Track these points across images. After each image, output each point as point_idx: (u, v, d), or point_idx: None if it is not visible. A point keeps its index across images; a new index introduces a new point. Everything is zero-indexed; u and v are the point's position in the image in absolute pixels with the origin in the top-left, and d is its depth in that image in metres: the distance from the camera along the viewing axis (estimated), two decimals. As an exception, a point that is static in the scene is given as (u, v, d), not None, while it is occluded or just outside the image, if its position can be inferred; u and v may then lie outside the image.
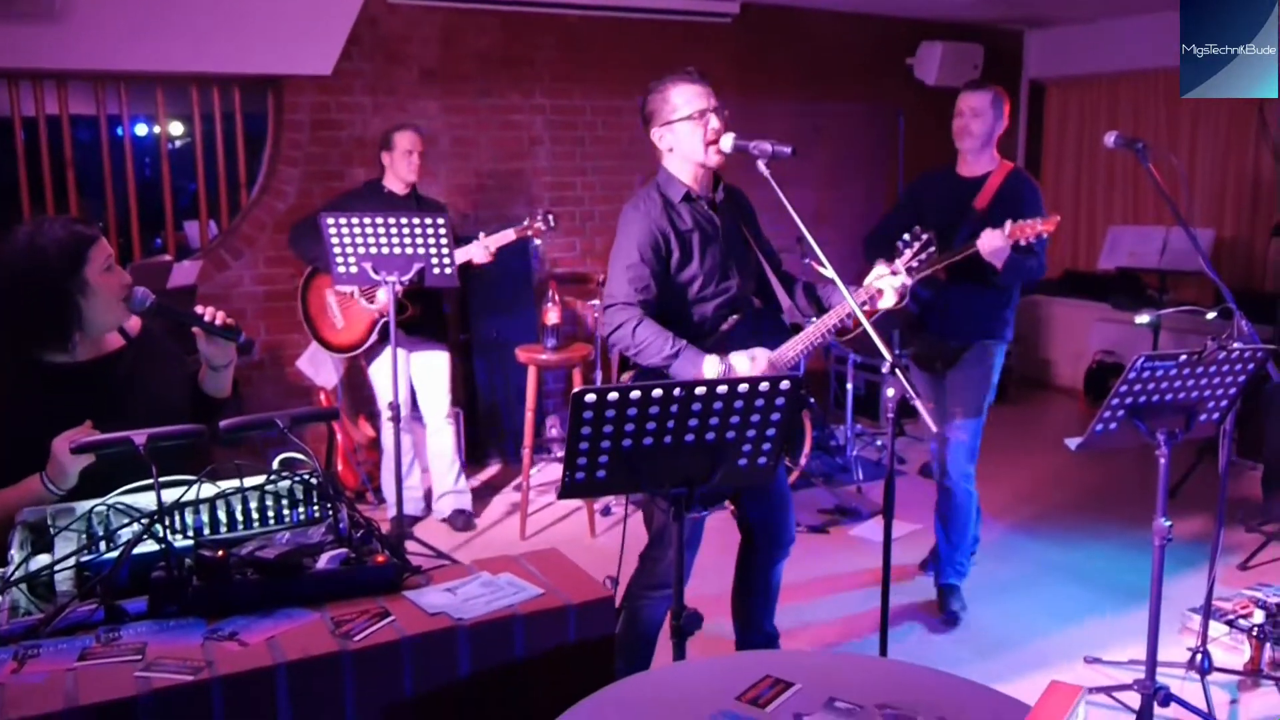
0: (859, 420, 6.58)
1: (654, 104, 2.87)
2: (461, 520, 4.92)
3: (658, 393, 2.17)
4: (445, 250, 4.07)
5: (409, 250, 4.07)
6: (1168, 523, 2.89)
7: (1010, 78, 7.82)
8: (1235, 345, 2.80)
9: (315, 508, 1.91)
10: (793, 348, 2.85)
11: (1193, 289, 6.71)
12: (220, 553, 1.68)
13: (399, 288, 4.10)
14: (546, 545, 4.74)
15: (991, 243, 3.55)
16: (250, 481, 1.90)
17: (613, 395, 2.15)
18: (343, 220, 4.02)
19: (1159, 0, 6.35)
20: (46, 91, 5.14)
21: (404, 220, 4.01)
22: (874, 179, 7.28)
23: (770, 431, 2.32)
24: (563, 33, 6.10)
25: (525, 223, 4.59)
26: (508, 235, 4.61)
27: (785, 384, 2.24)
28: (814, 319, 2.92)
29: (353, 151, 5.63)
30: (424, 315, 4.74)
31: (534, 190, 6.22)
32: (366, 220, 4.02)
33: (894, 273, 2.82)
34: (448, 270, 4.12)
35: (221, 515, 1.85)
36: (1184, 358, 2.75)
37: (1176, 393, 2.83)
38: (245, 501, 1.87)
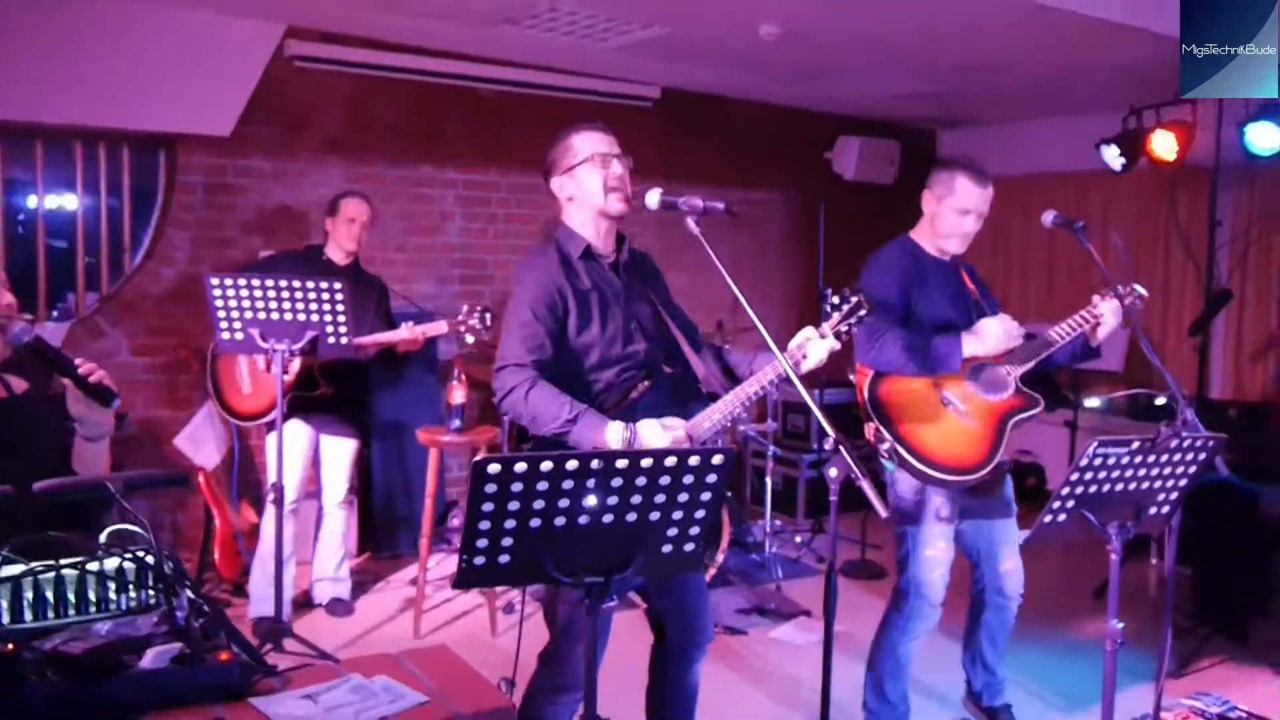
0: (777, 516, 6.33)
1: (555, 153, 2.68)
2: (342, 608, 4.48)
3: (573, 464, 1.88)
4: (342, 318, 3.75)
5: (300, 316, 3.74)
6: (1120, 624, 2.67)
7: (925, 175, 7.87)
8: (1186, 434, 2.64)
9: (150, 592, 1.55)
10: (708, 417, 2.59)
11: (1105, 387, 6.70)
12: (10, 646, 1.31)
13: (288, 356, 3.76)
14: (441, 643, 4.37)
15: (1111, 321, 3.26)
16: (67, 559, 1.54)
17: (520, 466, 1.85)
18: (229, 281, 3.69)
19: (1069, 105, 6.47)
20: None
21: (295, 284, 3.70)
22: (791, 268, 7.18)
23: (699, 514, 2.04)
24: (477, 106, 5.90)
25: (460, 317, 4.20)
26: (439, 327, 4.26)
27: (718, 458, 1.97)
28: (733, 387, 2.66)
29: (250, 219, 5.29)
30: (338, 396, 4.36)
31: (443, 266, 5.94)
32: (255, 282, 3.69)
33: (822, 336, 2.59)
34: (343, 339, 3.80)
35: (28, 599, 1.48)
36: (1137, 444, 2.57)
37: (1127, 483, 2.64)
38: (60, 583, 1.51)
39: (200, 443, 4.76)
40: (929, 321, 3.32)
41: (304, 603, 4.68)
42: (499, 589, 4.48)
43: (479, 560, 1.96)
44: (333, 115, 5.50)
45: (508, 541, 1.95)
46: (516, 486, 1.87)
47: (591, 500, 1.91)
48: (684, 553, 2.09)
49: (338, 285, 3.70)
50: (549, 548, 1.97)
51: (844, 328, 2.63)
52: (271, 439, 4.36)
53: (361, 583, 4.99)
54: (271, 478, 4.07)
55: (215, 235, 5.23)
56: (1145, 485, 2.68)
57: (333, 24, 5.30)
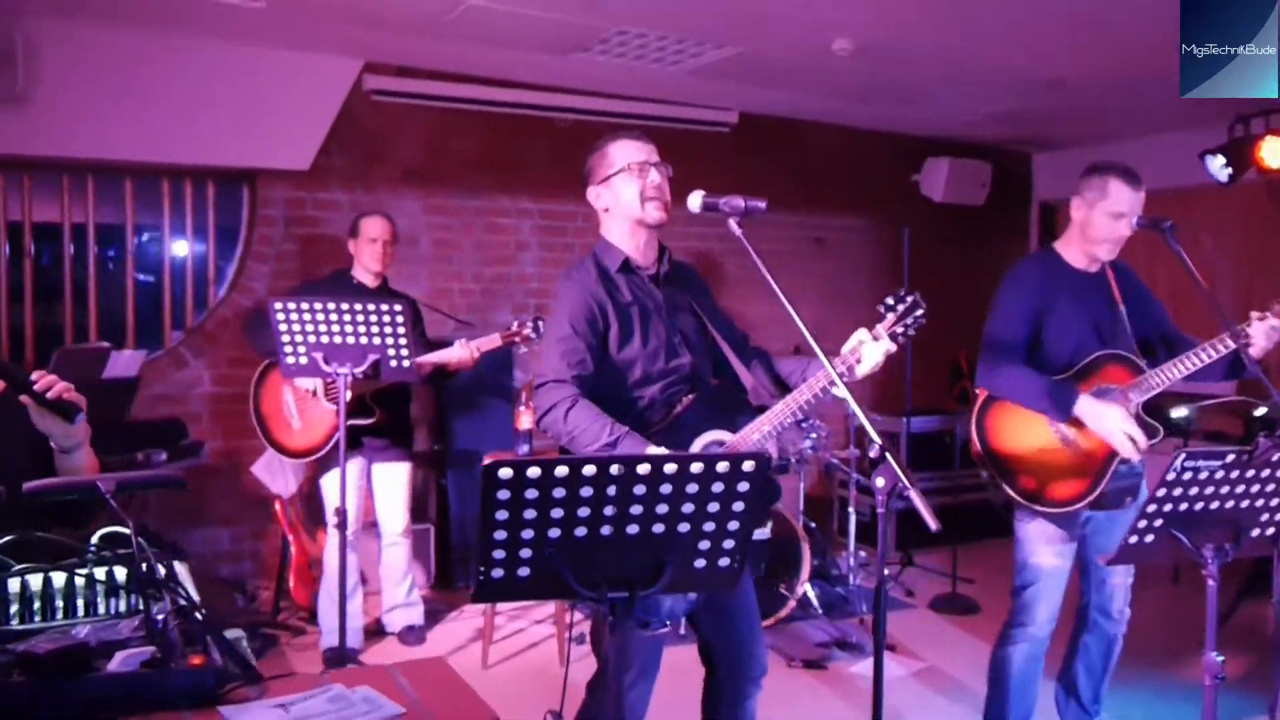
0: (862, 547, 6.09)
1: (592, 162, 2.61)
2: (413, 636, 4.42)
3: (590, 469, 1.77)
4: (403, 340, 3.72)
5: (363, 340, 3.72)
6: (1220, 658, 2.42)
7: (1022, 199, 7.61)
8: (1290, 446, 2.39)
9: (136, 596, 1.49)
10: (757, 428, 2.45)
11: (1214, 421, 6.28)
12: (-23, 646, 1.26)
13: (351, 380, 3.75)
14: (512, 675, 4.28)
15: (1263, 342, 2.95)
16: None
17: (533, 470, 1.75)
18: (291, 305, 3.69)
19: (1169, 120, 6.15)
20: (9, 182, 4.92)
21: (357, 306, 3.67)
22: (877, 294, 6.96)
23: (733, 525, 1.90)
24: (552, 137, 5.90)
25: (512, 327, 4.19)
26: (493, 340, 4.22)
27: (748, 464, 1.83)
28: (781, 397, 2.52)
29: (327, 250, 5.36)
30: (390, 422, 4.35)
31: (519, 296, 5.92)
32: (318, 305, 3.69)
33: (875, 338, 2.44)
34: (405, 363, 3.76)
35: (12, 600, 1.44)
36: (1231, 457, 2.34)
37: (1223, 500, 2.40)
38: (46, 585, 1.46)
39: (275, 472, 4.80)
40: (1054, 350, 3.16)
41: (377, 630, 4.64)
42: (574, 619, 4.38)
43: (497, 573, 1.86)
44: (409, 147, 5.56)
45: (526, 553, 1.84)
46: (531, 493, 1.77)
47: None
48: (718, 568, 1.95)
49: (399, 306, 3.67)
50: (570, 559, 1.86)
51: (899, 329, 2.48)
52: (331, 474, 4.33)
53: (435, 611, 4.94)
54: (331, 504, 4.04)
55: (294, 267, 5.31)
56: (1245, 504, 2.43)
57: (408, 58, 5.37)
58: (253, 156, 5.19)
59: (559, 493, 1.78)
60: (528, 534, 1.82)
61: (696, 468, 1.81)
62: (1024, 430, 3.13)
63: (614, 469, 1.77)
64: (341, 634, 3.83)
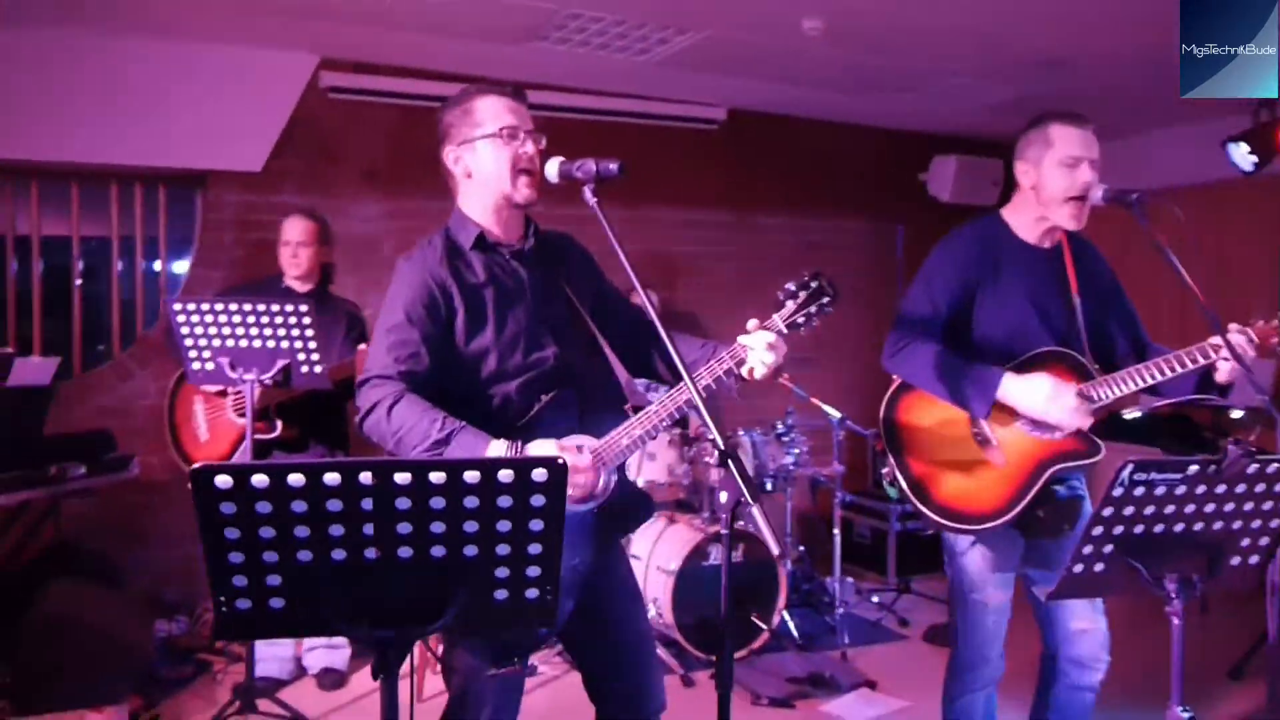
0: (865, 573, 5.68)
1: (451, 118, 2.25)
2: (330, 680, 4.07)
3: (333, 477, 1.43)
4: (312, 345, 3.42)
5: (270, 344, 3.43)
6: (1186, 714, 2.01)
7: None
8: (1268, 456, 1.97)
9: None
10: (627, 433, 2.08)
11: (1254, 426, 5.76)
12: None
13: (258, 388, 3.45)
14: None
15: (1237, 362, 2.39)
16: None
17: (259, 479, 1.42)
18: (191, 306, 3.42)
19: (1187, 112, 5.66)
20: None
21: (260, 307, 3.38)
22: (877, 301, 6.54)
23: (534, 549, 1.55)
24: (527, 135, 5.58)
25: None
26: None
27: (540, 473, 1.48)
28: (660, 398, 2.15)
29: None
30: (303, 436, 3.97)
31: (490, 304, 5.61)
32: (219, 306, 3.41)
33: (765, 328, 2.07)
34: (316, 369, 3.46)
35: None
36: (1195, 468, 1.93)
37: (1189, 521, 2.00)
38: None
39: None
40: (985, 336, 2.67)
41: (289, 680, 4.23)
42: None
43: (242, 604, 1.52)
44: (368, 147, 5.29)
45: (274, 580, 1.51)
46: (264, 507, 1.44)
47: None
48: (525, 601, 1.60)
49: (304, 307, 3.37)
50: (333, 589, 1.53)
51: (800, 318, 2.11)
52: None
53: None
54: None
55: (246, 274, 5.04)
56: (1219, 525, 2.03)
57: (366, 53, 5.11)
58: (203, 158, 4.95)
59: (298, 506, 1.44)
60: (270, 556, 1.48)
61: (471, 477, 1.46)
62: (937, 426, 2.66)
63: (364, 477, 1.43)
64: (249, 669, 3.54)
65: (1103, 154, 2.67)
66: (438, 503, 1.46)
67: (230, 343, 3.43)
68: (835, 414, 4.77)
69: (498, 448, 1.97)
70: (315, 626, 1.60)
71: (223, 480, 1.40)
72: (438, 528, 1.49)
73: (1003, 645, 2.73)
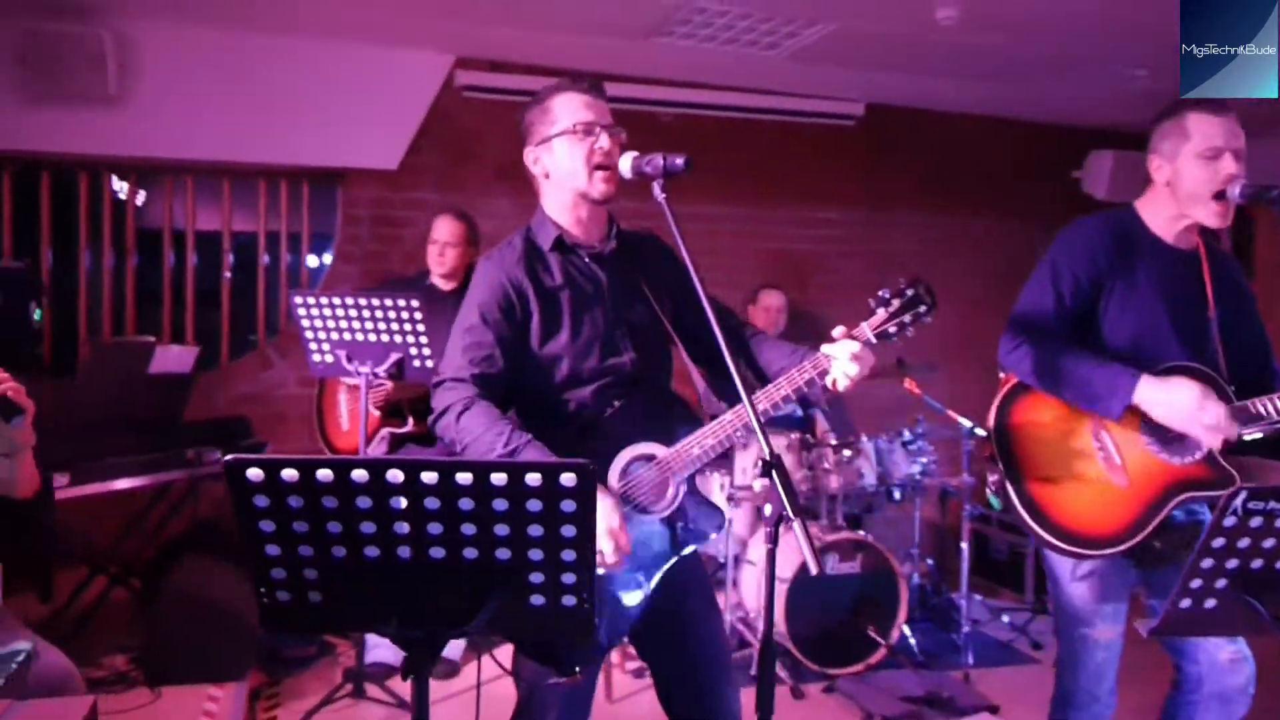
0: (1000, 590, 5.41)
1: (531, 117, 2.22)
2: (443, 668, 4.13)
3: (361, 474, 1.42)
4: (424, 339, 3.48)
5: (384, 338, 3.51)
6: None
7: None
8: None
9: None
10: (698, 442, 2.00)
11: None
12: None
13: (373, 378, 3.54)
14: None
15: None
16: None
17: (289, 473, 1.42)
18: (311, 300, 3.53)
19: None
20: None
21: (374, 301, 3.46)
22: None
23: (568, 555, 1.51)
24: (657, 133, 5.56)
25: None
26: None
27: (569, 477, 1.43)
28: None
29: (415, 250, 5.21)
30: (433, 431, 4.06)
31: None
32: (336, 300, 3.51)
33: (853, 337, 1.97)
34: (429, 363, 3.51)
35: None
36: (1326, 494, 1.72)
37: (1319, 556, 1.78)
38: None
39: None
40: (1109, 336, 2.47)
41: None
42: (627, 645, 3.99)
43: (283, 595, 1.54)
44: (502, 145, 5.35)
45: (312, 574, 1.52)
46: (296, 501, 1.44)
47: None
48: (563, 608, 1.55)
49: (415, 303, 3.43)
50: (369, 587, 1.52)
51: (892, 327, 2.00)
52: None
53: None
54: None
55: (381, 267, 5.21)
56: (1355, 562, 1.80)
57: (499, 52, 5.19)
58: (342, 156, 5.13)
59: (329, 502, 1.44)
60: (306, 551, 1.49)
61: (499, 479, 1.42)
62: (1056, 436, 2.45)
63: (392, 475, 1.42)
64: (359, 654, 3.63)
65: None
66: (466, 504, 1.44)
67: (346, 335, 3.53)
68: (965, 423, 4.55)
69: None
70: (354, 622, 1.60)
71: (254, 473, 1.41)
72: (468, 529, 1.46)
73: (1114, 682, 2.52)
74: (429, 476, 1.41)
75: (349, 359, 3.54)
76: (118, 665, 3.57)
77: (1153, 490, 2.36)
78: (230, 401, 4.96)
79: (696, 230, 5.68)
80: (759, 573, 4.34)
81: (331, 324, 3.53)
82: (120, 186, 5.17)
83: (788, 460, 4.36)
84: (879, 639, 4.23)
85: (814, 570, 1.46)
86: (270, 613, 1.55)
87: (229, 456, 1.41)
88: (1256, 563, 1.77)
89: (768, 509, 1.57)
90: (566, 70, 5.22)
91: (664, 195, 1.99)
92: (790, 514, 1.49)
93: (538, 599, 1.55)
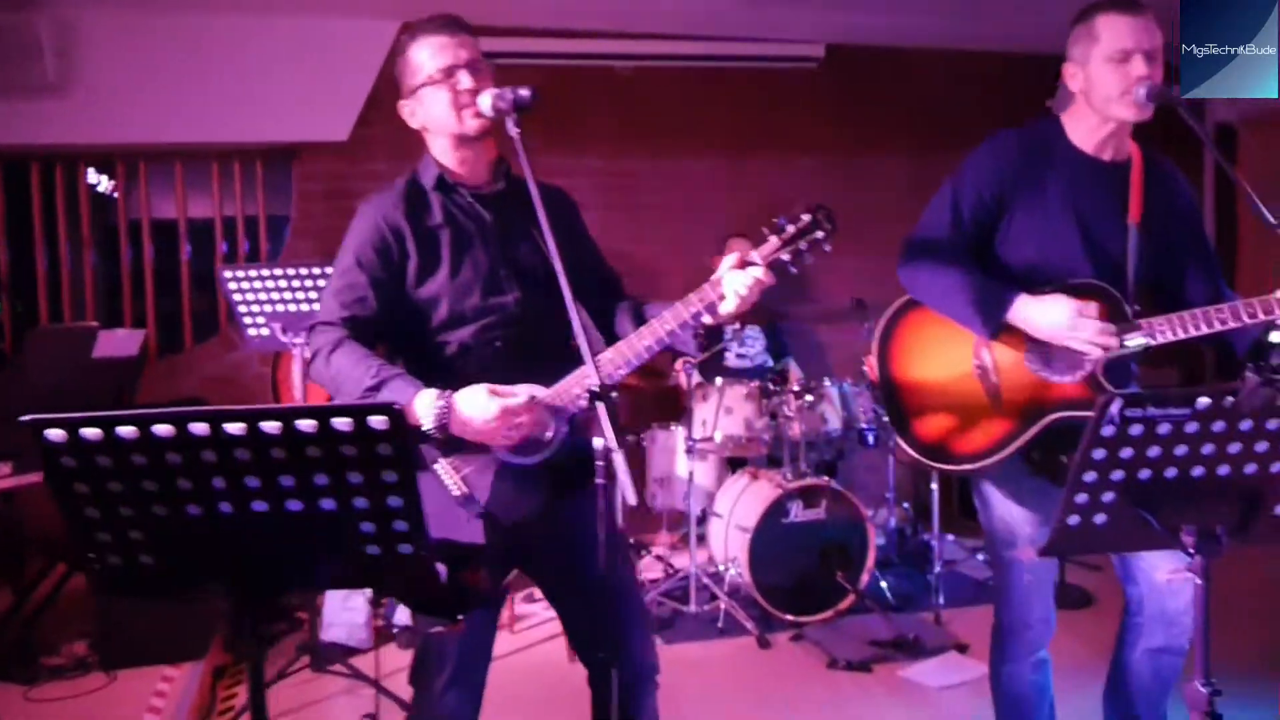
0: (966, 527, 5.33)
1: (397, 70, 2.17)
2: (406, 637, 4.11)
3: (165, 429, 1.38)
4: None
5: (316, 306, 3.46)
6: (1207, 688, 1.73)
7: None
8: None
9: None
10: (578, 382, 1.95)
11: None
12: None
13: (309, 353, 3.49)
14: (521, 670, 3.92)
15: None
16: None
17: (90, 431, 1.38)
18: (240, 274, 3.49)
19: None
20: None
21: (302, 270, 3.43)
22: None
23: (394, 501, 1.46)
24: (613, 87, 5.47)
25: None
26: None
27: (378, 419, 1.38)
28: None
29: (372, 222, 5.19)
30: None
31: (582, 261, 5.54)
32: (265, 272, 3.47)
33: (745, 264, 1.93)
34: (366, 332, 3.47)
35: None
36: (1206, 402, 1.64)
37: (1211, 464, 1.71)
38: None
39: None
40: (1014, 252, 2.37)
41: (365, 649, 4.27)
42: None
43: (114, 559, 1.51)
44: (453, 110, 5.30)
45: (138, 535, 1.48)
46: (104, 460, 1.40)
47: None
48: (399, 556, 1.51)
49: (345, 269, 3.38)
50: (199, 546, 1.49)
51: (786, 255, 1.95)
52: None
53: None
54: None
55: (339, 242, 5.15)
56: (1252, 468, 1.73)
57: (450, 12, 5.09)
58: (293, 130, 5.08)
59: (138, 459, 1.40)
60: (127, 511, 1.46)
61: (307, 425, 1.38)
62: (933, 350, 2.40)
63: (197, 428, 1.37)
64: (312, 628, 3.62)
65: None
66: (278, 453, 1.39)
67: (280, 308, 3.49)
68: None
69: (426, 396, 1.88)
70: (190, 584, 1.56)
71: (55, 434, 1.37)
72: (287, 481, 1.42)
73: (1048, 611, 2.45)
74: (235, 427, 1.37)
75: (284, 330, 3.50)
76: (77, 652, 3.57)
77: (1028, 408, 2.30)
78: (197, 384, 4.95)
79: (656, 184, 5.63)
80: (725, 524, 4.29)
81: (264, 296, 3.49)
82: (99, 180, 5.15)
83: (747, 409, 4.29)
84: (847, 585, 4.18)
85: (632, 501, 1.41)
86: (103, 578, 1.52)
87: (27, 417, 1.36)
88: (1144, 473, 1.70)
89: (598, 443, 1.52)
90: (514, 29, 5.16)
91: (518, 130, 1.92)
92: (613, 445, 1.44)
93: (373, 549, 1.50)
